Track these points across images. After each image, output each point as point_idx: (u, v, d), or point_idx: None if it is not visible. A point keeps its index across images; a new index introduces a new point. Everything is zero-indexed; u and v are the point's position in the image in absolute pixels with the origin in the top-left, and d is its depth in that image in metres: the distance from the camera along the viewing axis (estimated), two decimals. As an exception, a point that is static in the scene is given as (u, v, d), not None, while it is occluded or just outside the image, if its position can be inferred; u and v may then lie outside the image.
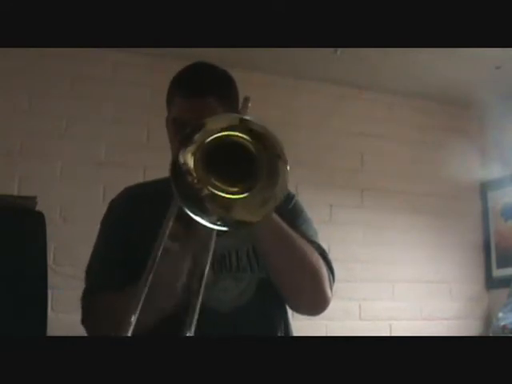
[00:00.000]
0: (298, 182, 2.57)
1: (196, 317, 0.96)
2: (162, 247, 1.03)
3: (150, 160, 2.79)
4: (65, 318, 2.46)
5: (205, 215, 0.99)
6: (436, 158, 3.43)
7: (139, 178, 2.77)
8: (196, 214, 0.98)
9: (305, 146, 3.15)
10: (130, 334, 0.92)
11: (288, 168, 0.98)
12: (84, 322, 1.29)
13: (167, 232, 1.05)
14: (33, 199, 1.97)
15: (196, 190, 1.01)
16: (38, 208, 1.94)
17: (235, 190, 1.03)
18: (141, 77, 2.94)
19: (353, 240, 3.18)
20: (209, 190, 1.02)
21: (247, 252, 1.30)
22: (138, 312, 0.94)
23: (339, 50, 2.85)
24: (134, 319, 0.93)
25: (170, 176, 0.99)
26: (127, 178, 2.69)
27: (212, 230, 1.04)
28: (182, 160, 0.99)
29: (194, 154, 1.00)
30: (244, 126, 0.99)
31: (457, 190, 3.48)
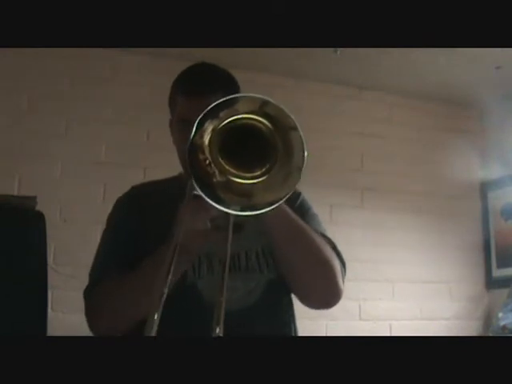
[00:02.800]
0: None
1: (223, 312, 0.94)
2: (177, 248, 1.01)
3: (150, 160, 2.80)
4: (65, 317, 2.47)
5: (227, 205, 0.98)
6: (436, 158, 3.43)
7: (139, 178, 2.76)
8: (221, 205, 0.97)
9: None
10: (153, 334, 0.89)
11: (302, 136, 0.98)
12: (86, 312, 1.29)
13: (181, 231, 1.04)
14: (33, 199, 1.97)
15: (217, 184, 1.00)
16: (38, 208, 1.94)
17: (255, 174, 1.02)
18: (141, 77, 2.94)
19: (353, 240, 3.18)
20: (228, 178, 1.02)
21: (256, 252, 1.30)
22: (159, 313, 0.90)
23: (339, 49, 2.85)
24: (156, 319, 0.89)
25: (191, 177, 0.97)
26: (127, 178, 2.70)
27: (228, 220, 1.04)
28: (201, 157, 0.98)
29: (208, 146, 0.99)
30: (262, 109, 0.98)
31: (457, 189, 3.48)
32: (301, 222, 1.23)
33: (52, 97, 2.81)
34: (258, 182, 1.02)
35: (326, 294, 1.29)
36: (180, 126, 1.29)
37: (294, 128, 0.98)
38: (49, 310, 1.93)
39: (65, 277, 2.51)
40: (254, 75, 2.94)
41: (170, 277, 0.95)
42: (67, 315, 2.50)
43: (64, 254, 2.61)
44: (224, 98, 0.98)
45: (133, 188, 1.42)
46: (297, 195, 1.39)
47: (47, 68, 2.82)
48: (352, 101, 3.39)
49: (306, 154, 0.99)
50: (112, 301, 1.22)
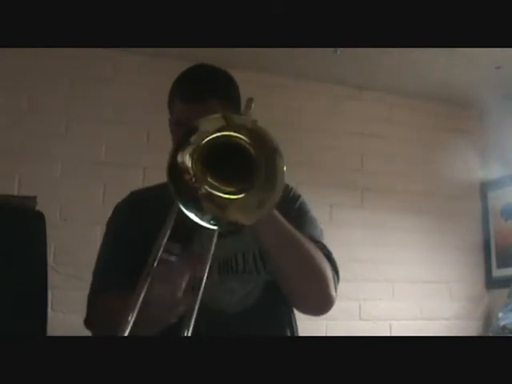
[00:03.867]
0: (298, 182, 2.56)
1: (194, 318, 0.96)
2: (160, 252, 1.02)
3: (150, 160, 2.79)
4: (65, 317, 2.47)
5: (200, 213, 0.99)
6: (436, 158, 3.43)
7: (139, 178, 2.79)
8: (191, 212, 0.98)
9: (305, 146, 3.15)
10: (126, 334, 0.91)
11: (285, 168, 0.98)
12: (86, 321, 1.30)
13: (167, 235, 1.05)
14: (33, 199, 1.97)
15: (193, 189, 1.02)
16: (38, 208, 1.94)
17: (231, 189, 1.03)
18: (141, 77, 2.94)
19: (353, 240, 3.18)
20: (206, 189, 1.03)
21: (253, 254, 1.30)
22: (135, 312, 0.94)
23: (339, 49, 2.85)
24: (131, 319, 0.93)
25: (166, 174, 0.99)
26: (127, 178, 2.73)
27: (213, 231, 1.04)
28: (180, 159, 1.00)
29: (191, 155, 1.00)
30: (234, 124, 0.99)
31: (457, 189, 3.48)
32: (293, 229, 1.22)
33: (52, 97, 2.81)
34: (234, 199, 1.03)
35: (317, 302, 1.29)
36: (176, 128, 1.29)
37: (280, 155, 0.99)
38: (49, 309, 1.93)
39: (65, 277, 2.51)
40: (254, 75, 2.95)
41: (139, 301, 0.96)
42: (67, 315, 2.50)
43: (64, 254, 2.61)
44: (185, 129, 1.00)
45: (132, 193, 1.42)
46: (296, 197, 1.39)
47: (47, 68, 2.82)
48: (352, 101, 3.39)
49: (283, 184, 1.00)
50: (111, 318, 1.21)
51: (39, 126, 2.76)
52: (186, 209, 0.99)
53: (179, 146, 1.00)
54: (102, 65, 2.92)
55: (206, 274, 1.04)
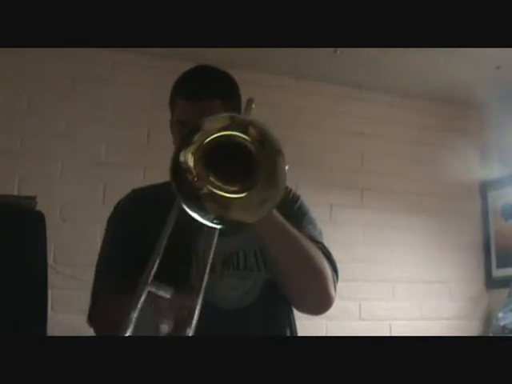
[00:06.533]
0: (298, 181, 2.57)
1: (197, 316, 0.96)
2: (162, 249, 1.03)
3: (150, 160, 2.79)
4: (65, 317, 2.46)
5: (202, 213, 0.99)
6: (436, 158, 3.43)
7: (139, 178, 2.79)
8: (194, 212, 0.99)
9: (305, 145, 3.15)
10: (128, 334, 0.91)
11: (287, 167, 0.99)
12: (89, 319, 1.30)
13: (168, 234, 1.05)
14: (33, 199, 1.97)
15: (195, 188, 1.02)
16: (37, 208, 1.94)
17: (234, 189, 1.03)
18: (141, 77, 2.94)
19: (353, 240, 3.18)
20: (208, 188, 1.03)
21: (255, 252, 1.31)
22: (136, 311, 0.94)
23: (339, 49, 2.85)
24: (133, 317, 0.93)
25: (169, 174, 0.99)
26: (127, 178, 2.73)
27: (214, 229, 1.04)
28: (182, 159, 1.00)
29: (193, 154, 1.01)
30: (238, 124, 0.99)
31: (457, 190, 3.48)
32: (292, 229, 1.23)
33: (52, 97, 2.81)
34: (236, 198, 1.03)
35: (316, 302, 1.30)
36: (178, 127, 1.29)
37: (282, 155, 1.00)
38: (49, 309, 1.93)
39: (65, 276, 2.51)
40: (254, 75, 2.94)
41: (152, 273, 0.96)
42: (67, 315, 2.50)
43: (64, 253, 2.60)
44: (190, 128, 1.01)
45: (134, 191, 1.43)
46: (296, 198, 1.39)
47: (47, 68, 2.82)
48: (352, 101, 3.39)
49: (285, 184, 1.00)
50: (113, 318, 1.22)
51: (39, 126, 2.75)
52: (189, 208, 0.99)
53: (182, 145, 1.00)
54: (102, 65, 2.92)
55: (209, 262, 1.05)
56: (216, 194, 1.03)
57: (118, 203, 1.41)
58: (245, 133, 1.00)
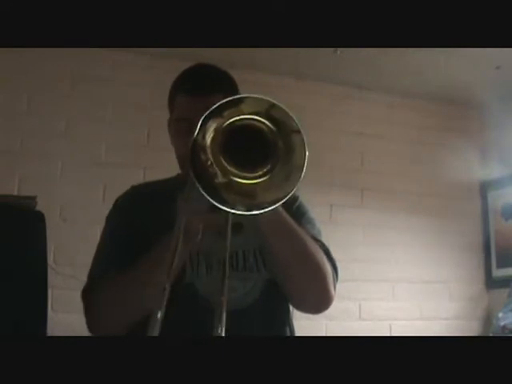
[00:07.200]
0: (298, 181, 2.56)
1: (224, 312, 0.94)
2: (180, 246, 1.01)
3: (150, 160, 2.80)
4: (65, 317, 2.46)
5: (229, 206, 0.97)
6: (436, 158, 3.43)
7: (139, 178, 2.78)
8: (222, 205, 0.96)
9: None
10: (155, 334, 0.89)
11: (305, 139, 0.98)
12: (86, 312, 1.28)
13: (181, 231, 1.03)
14: (33, 199, 1.97)
15: (219, 184, 1.00)
16: (37, 208, 1.94)
17: (255, 174, 1.02)
18: (141, 77, 2.94)
19: (353, 240, 3.18)
20: (231, 179, 1.01)
21: (254, 252, 1.30)
22: (163, 311, 0.90)
23: (339, 49, 2.85)
24: (159, 317, 0.89)
25: (193, 177, 0.96)
26: (127, 178, 2.72)
27: (227, 216, 1.03)
28: (202, 157, 0.97)
29: (213, 133, 0.98)
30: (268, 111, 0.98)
31: (457, 190, 3.49)
32: (295, 226, 1.22)
33: (52, 97, 2.81)
34: (260, 182, 1.01)
35: (316, 300, 1.29)
36: (178, 124, 1.29)
37: (297, 131, 0.98)
38: (49, 309, 1.93)
39: (65, 277, 2.51)
40: (254, 75, 2.94)
41: (173, 266, 0.95)
42: (67, 315, 2.50)
43: (64, 253, 2.61)
44: (230, 98, 0.97)
45: (133, 187, 1.42)
46: (294, 199, 1.39)
47: (47, 68, 2.82)
48: (352, 101, 3.39)
49: (307, 153, 0.99)
50: (112, 298, 1.21)
51: (39, 126, 2.76)
52: (218, 203, 0.96)
53: (211, 114, 0.96)
54: (102, 65, 2.92)
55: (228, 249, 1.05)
56: (239, 183, 1.01)
57: (117, 200, 1.41)
58: (259, 114, 0.99)
